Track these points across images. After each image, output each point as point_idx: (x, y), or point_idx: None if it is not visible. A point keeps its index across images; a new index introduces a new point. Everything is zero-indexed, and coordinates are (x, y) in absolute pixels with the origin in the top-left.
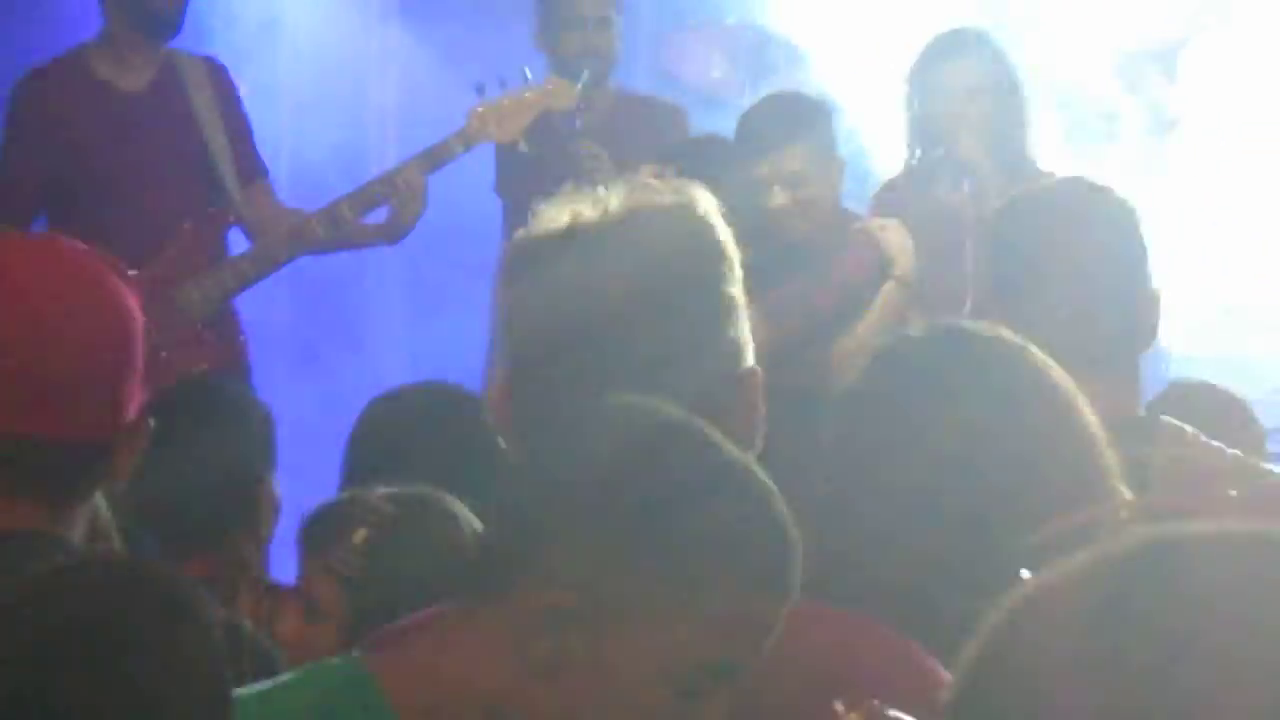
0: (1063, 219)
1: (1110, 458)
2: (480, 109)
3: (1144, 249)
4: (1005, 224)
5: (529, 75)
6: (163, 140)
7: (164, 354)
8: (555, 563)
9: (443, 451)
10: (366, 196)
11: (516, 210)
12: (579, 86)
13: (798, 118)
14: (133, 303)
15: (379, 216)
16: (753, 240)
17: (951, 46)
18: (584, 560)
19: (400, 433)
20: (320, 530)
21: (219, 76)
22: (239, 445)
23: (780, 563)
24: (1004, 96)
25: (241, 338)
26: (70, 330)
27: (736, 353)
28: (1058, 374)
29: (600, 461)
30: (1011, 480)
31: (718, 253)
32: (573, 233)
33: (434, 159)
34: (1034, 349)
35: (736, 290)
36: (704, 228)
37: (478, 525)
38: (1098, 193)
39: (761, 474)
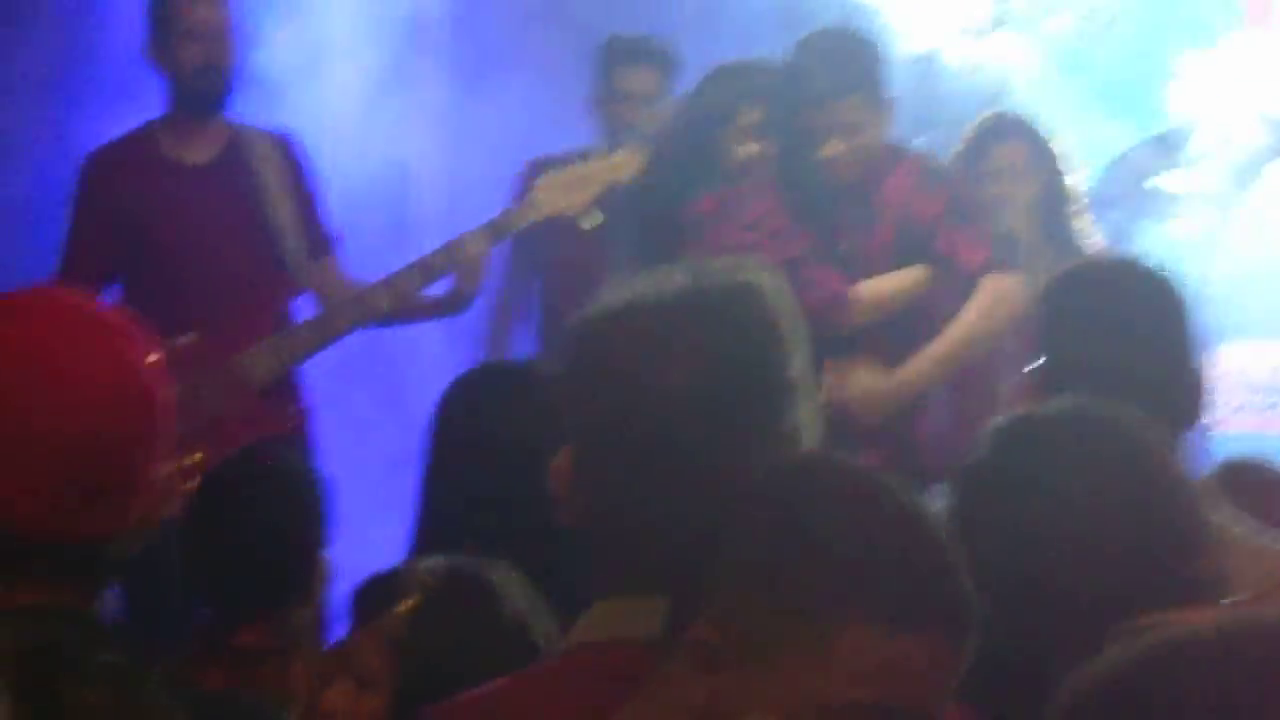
0: (1111, 296)
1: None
2: (546, 180)
3: (1192, 329)
4: (1054, 299)
5: (595, 147)
6: (228, 214)
7: (224, 422)
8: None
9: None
10: (429, 268)
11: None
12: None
13: (855, 66)
14: (160, 385)
15: (438, 285)
16: (806, 181)
17: (1000, 129)
18: (729, 596)
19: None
20: (370, 600)
21: (287, 150)
22: (293, 515)
23: (924, 600)
24: (1050, 179)
25: (303, 406)
26: (111, 430)
27: (793, 439)
28: (1172, 456)
29: (747, 502)
30: (1140, 563)
31: (776, 337)
32: (630, 313)
33: (498, 230)
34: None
35: (796, 373)
36: (764, 311)
37: (520, 600)
38: (1147, 271)
39: (915, 507)
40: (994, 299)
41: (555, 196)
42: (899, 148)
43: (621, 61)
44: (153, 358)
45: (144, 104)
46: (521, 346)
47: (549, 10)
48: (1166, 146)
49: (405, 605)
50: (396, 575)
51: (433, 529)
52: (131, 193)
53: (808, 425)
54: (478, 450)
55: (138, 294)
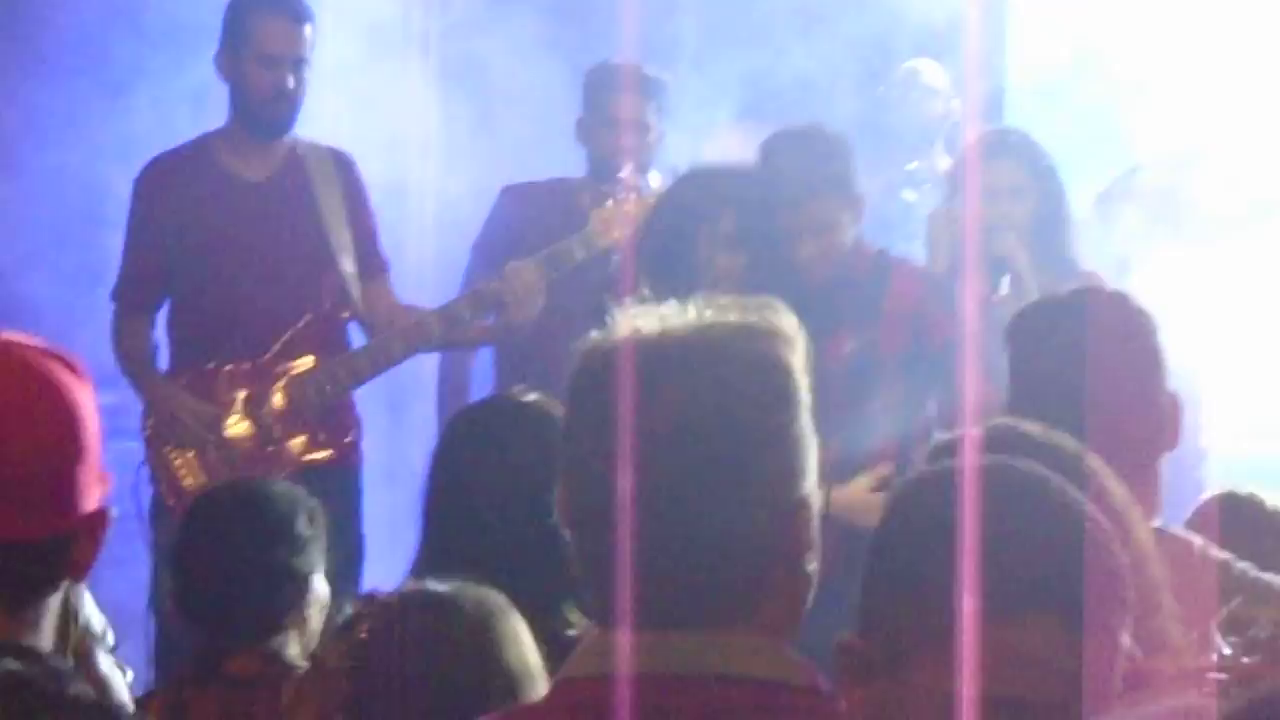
0: (1079, 326)
1: (1158, 571)
2: (604, 211)
3: (1160, 354)
4: (1022, 331)
5: (578, 177)
6: (284, 231)
7: (272, 447)
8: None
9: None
10: (481, 297)
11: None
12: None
13: (827, 166)
14: (81, 395)
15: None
16: (776, 281)
17: (996, 146)
18: (877, 603)
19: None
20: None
21: (345, 169)
22: (284, 542)
23: (1033, 582)
24: (1046, 197)
25: (355, 432)
26: (9, 429)
27: (787, 482)
28: (1114, 483)
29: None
30: None
31: (775, 380)
32: (631, 346)
33: (554, 261)
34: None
35: (791, 417)
36: (765, 352)
37: (490, 627)
38: (1114, 299)
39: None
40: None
41: (611, 228)
42: (884, 253)
43: (610, 88)
44: (75, 377)
45: None
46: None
47: (547, 27)
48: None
49: (359, 631)
50: (361, 600)
51: (433, 556)
52: (187, 206)
53: (801, 471)
54: (481, 481)
55: (189, 308)
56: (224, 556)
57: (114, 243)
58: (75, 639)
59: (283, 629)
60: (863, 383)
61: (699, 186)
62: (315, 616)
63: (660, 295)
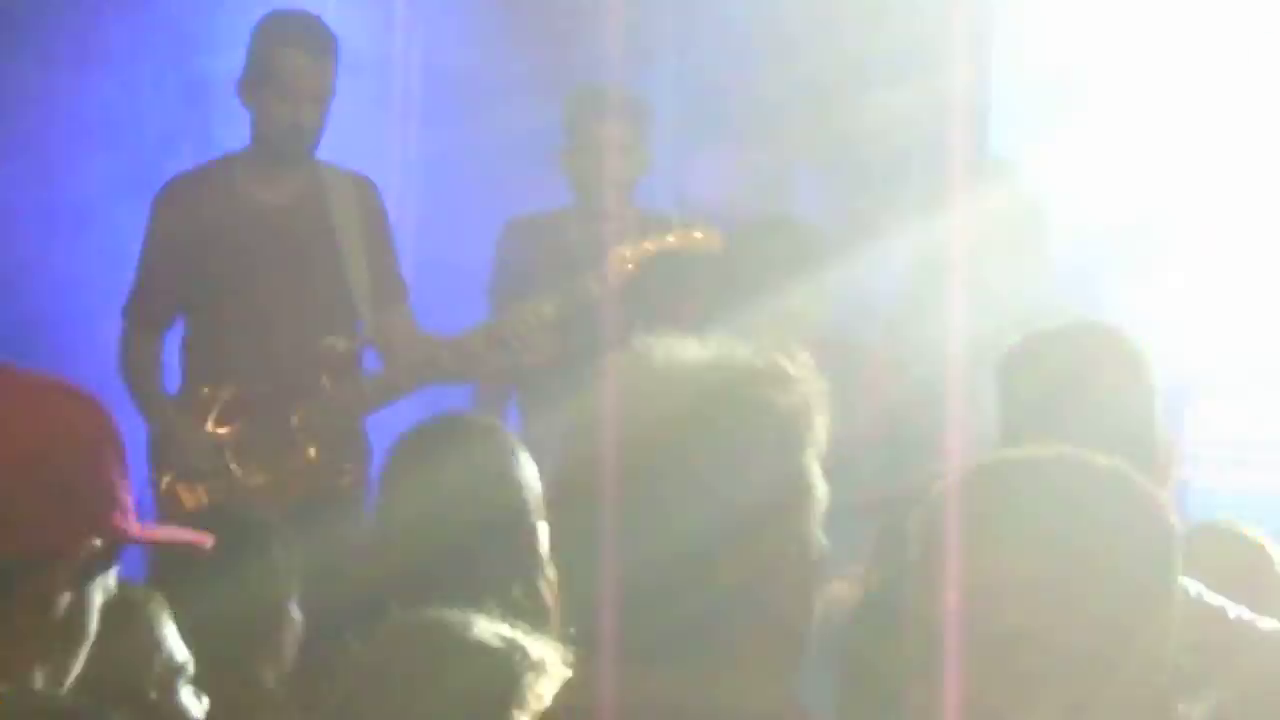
0: (1071, 365)
1: None
2: (625, 250)
3: (1154, 393)
4: (1013, 370)
5: (570, 205)
6: (300, 255)
7: (276, 475)
8: None
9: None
10: (496, 332)
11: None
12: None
13: (802, 257)
14: (61, 425)
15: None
16: None
17: (979, 173)
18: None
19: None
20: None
21: (367, 194)
22: (262, 573)
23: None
24: (1026, 226)
25: (365, 462)
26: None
27: (775, 525)
28: None
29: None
30: None
31: (768, 423)
32: (632, 378)
33: (570, 300)
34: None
35: (783, 460)
36: (762, 395)
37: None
38: (1107, 337)
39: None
40: None
41: (629, 266)
42: (852, 345)
43: (590, 111)
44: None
45: None
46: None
47: (520, 50)
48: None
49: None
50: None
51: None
52: (205, 227)
53: (799, 520)
54: (427, 503)
55: (202, 329)
56: (200, 585)
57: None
58: (158, 669)
59: (257, 657)
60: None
61: (669, 271)
62: (289, 642)
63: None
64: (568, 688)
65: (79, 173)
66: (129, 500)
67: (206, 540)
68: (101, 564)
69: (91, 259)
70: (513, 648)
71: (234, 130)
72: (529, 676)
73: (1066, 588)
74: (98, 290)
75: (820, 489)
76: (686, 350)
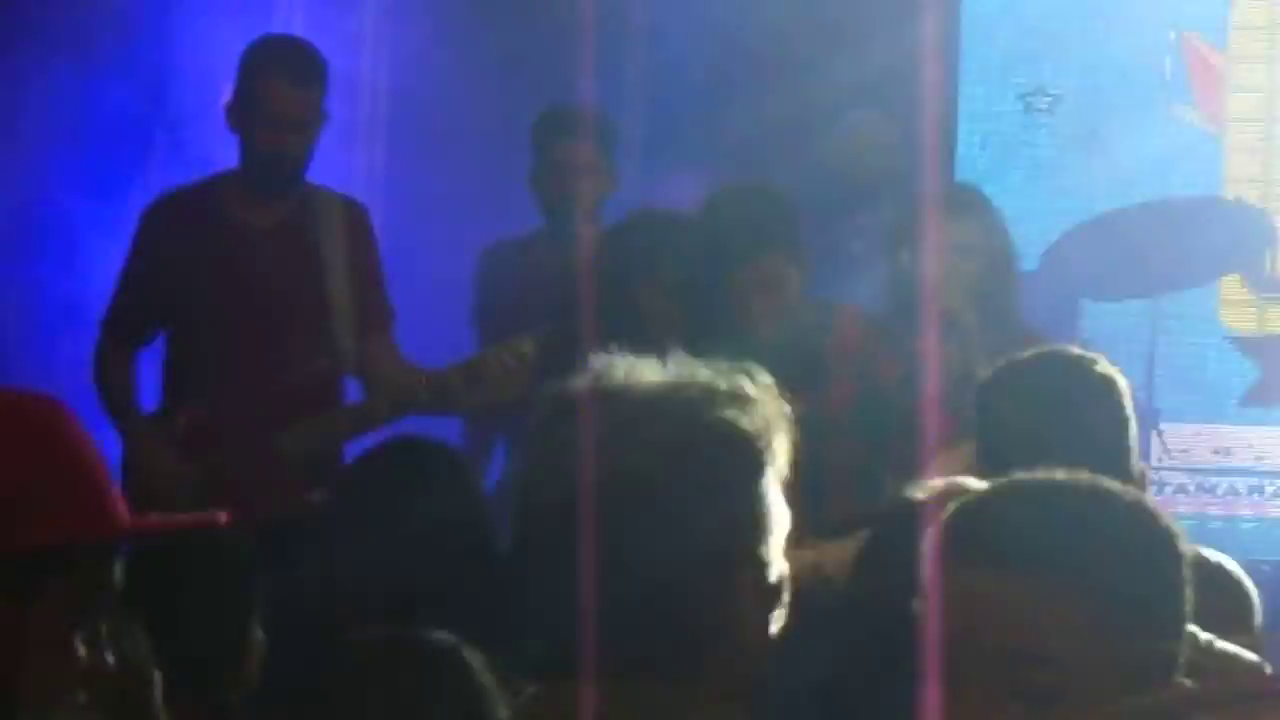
0: (1046, 394)
1: None
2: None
3: (1128, 421)
4: (989, 399)
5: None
6: (284, 281)
7: (253, 502)
8: None
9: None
10: (476, 367)
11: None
12: None
13: (774, 223)
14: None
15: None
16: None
17: (951, 203)
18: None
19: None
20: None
21: (356, 218)
22: (224, 595)
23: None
24: (995, 257)
25: None
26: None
27: (732, 542)
28: None
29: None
30: None
31: (725, 443)
32: (592, 398)
33: (550, 339)
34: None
35: (740, 480)
36: (720, 417)
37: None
38: (1081, 366)
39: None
40: None
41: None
42: (822, 301)
43: (555, 135)
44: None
45: None
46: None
47: (496, 69)
48: (1115, 227)
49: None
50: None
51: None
52: (190, 247)
53: (759, 539)
54: (388, 529)
55: (182, 350)
56: (163, 609)
57: None
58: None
59: (221, 679)
60: (813, 446)
61: (640, 234)
62: (252, 663)
63: (605, 341)
64: (542, 707)
65: (33, 168)
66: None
67: (218, 518)
68: (107, 561)
69: (44, 259)
70: (478, 668)
71: (199, 126)
72: (494, 693)
73: (1085, 612)
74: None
75: (781, 513)
76: (646, 373)
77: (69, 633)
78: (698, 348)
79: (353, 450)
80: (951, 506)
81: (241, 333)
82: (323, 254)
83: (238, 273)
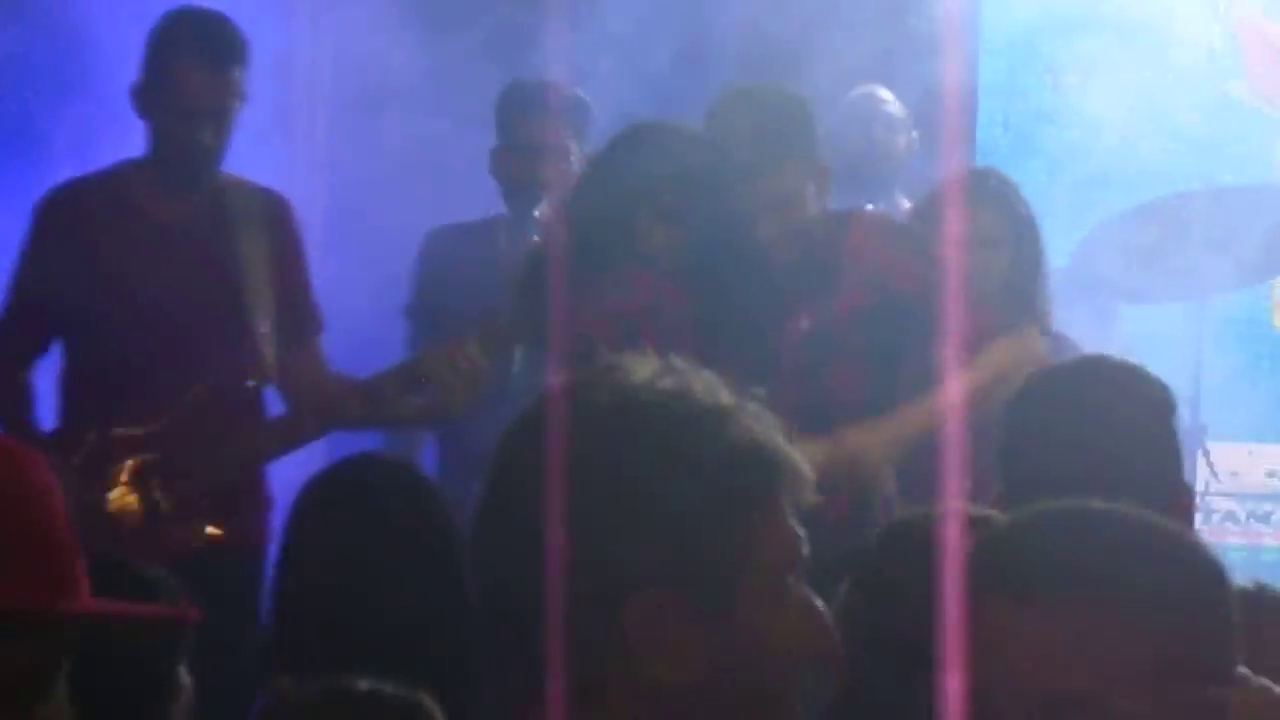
0: (1081, 408)
1: None
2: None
3: (1175, 438)
4: (1016, 413)
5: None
6: (194, 278)
7: (161, 526)
8: None
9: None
10: (414, 372)
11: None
12: None
13: (785, 130)
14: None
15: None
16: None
17: (977, 192)
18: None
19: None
20: None
21: (278, 213)
22: (148, 634)
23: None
24: (1022, 249)
25: (263, 511)
26: None
27: (622, 574)
28: None
29: None
30: None
31: (659, 457)
32: (564, 399)
33: (498, 338)
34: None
35: (649, 494)
36: (653, 427)
37: None
38: (1124, 373)
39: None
40: (1016, 357)
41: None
42: (840, 210)
43: (521, 111)
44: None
45: None
46: None
47: (437, 45)
48: (1154, 218)
49: None
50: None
51: (289, 643)
52: (90, 244)
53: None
54: (344, 557)
55: (82, 361)
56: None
57: None
58: None
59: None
60: (816, 354)
61: (640, 149)
62: (178, 711)
63: (588, 270)
64: None
65: None
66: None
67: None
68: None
69: None
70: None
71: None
72: None
73: (1125, 653)
74: None
75: (772, 544)
76: (638, 379)
77: (25, 696)
78: (700, 279)
79: (282, 470)
80: (977, 536)
81: (149, 341)
82: (241, 253)
83: (144, 273)
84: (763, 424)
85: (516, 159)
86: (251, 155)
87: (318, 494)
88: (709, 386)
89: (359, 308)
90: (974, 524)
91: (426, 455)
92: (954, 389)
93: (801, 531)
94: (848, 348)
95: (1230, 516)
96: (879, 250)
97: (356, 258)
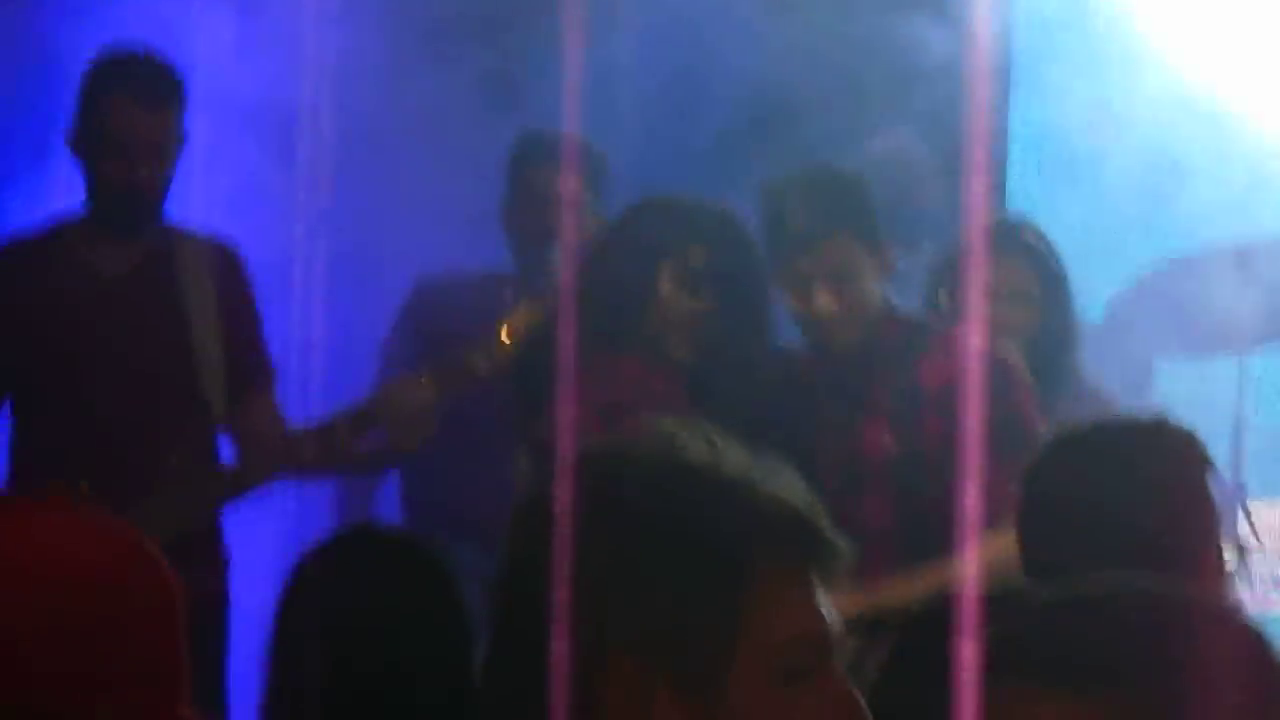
0: (1111, 470)
1: None
2: (512, 318)
3: (1212, 501)
4: (1039, 475)
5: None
6: (140, 333)
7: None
8: None
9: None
10: (363, 416)
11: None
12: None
13: (837, 200)
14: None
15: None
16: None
17: (1005, 241)
18: None
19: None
20: None
21: (226, 263)
22: None
23: None
24: (1054, 304)
25: (219, 563)
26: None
27: (607, 635)
28: None
29: None
30: None
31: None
32: (590, 458)
33: (450, 379)
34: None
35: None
36: (630, 488)
37: None
38: (1149, 429)
39: None
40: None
41: (517, 338)
42: (914, 318)
43: (533, 161)
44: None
45: None
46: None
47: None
48: (1191, 270)
49: None
50: None
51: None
52: (32, 300)
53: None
54: (345, 633)
55: (27, 419)
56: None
57: None
58: None
59: None
60: (909, 484)
61: (664, 214)
62: None
63: (601, 341)
64: None
65: None
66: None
67: None
68: None
69: None
70: None
71: None
72: None
73: None
74: None
75: (776, 623)
76: (663, 444)
77: None
78: (727, 359)
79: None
80: (997, 618)
81: (92, 395)
82: (185, 303)
83: (87, 326)
84: (791, 496)
85: (530, 210)
86: (244, 195)
87: (315, 565)
88: (741, 457)
89: (359, 353)
90: (998, 601)
91: (390, 506)
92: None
93: (830, 610)
94: (941, 481)
95: (1277, 583)
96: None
97: (352, 299)
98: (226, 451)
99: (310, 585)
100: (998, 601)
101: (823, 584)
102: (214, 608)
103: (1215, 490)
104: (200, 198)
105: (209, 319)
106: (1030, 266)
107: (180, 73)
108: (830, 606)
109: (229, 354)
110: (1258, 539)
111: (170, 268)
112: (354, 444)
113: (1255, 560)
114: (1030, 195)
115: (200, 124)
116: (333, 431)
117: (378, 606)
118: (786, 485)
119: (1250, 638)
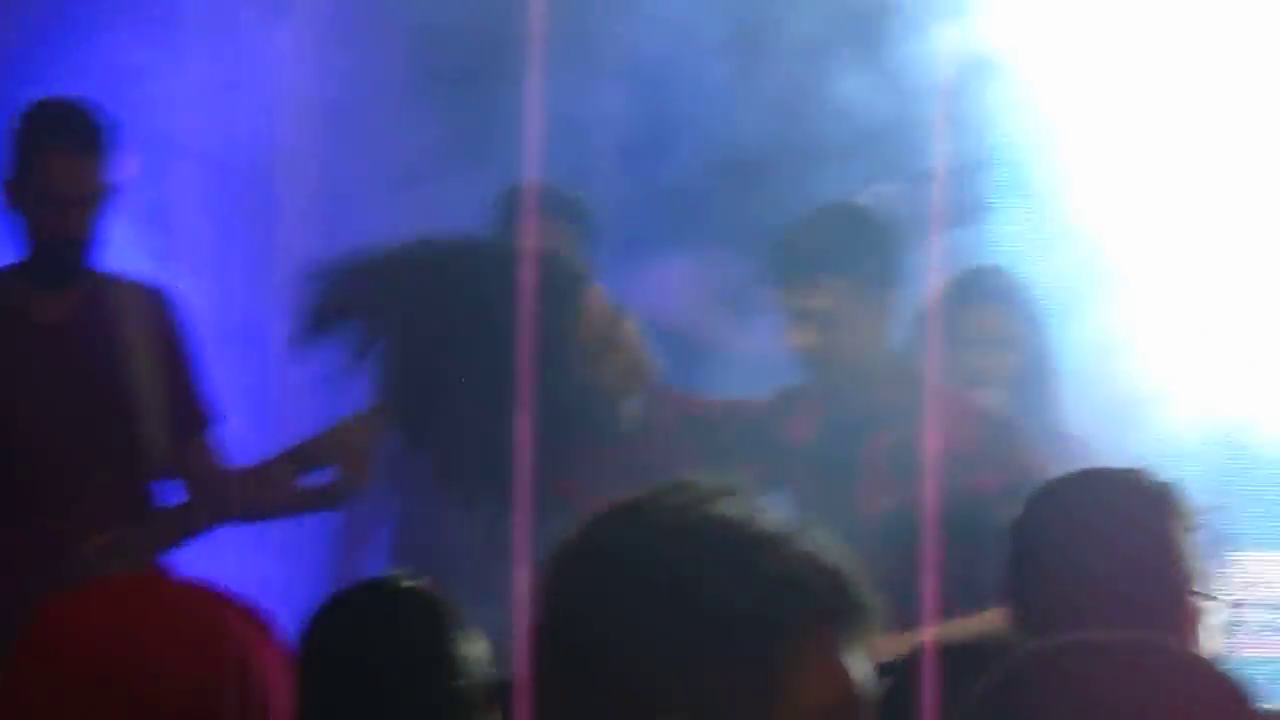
0: (1090, 523)
1: None
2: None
3: (1184, 550)
4: (1026, 524)
5: None
6: (79, 381)
7: None
8: None
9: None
10: (307, 455)
11: None
12: None
13: (824, 246)
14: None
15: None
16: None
17: (977, 290)
18: None
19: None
20: None
21: (161, 308)
22: None
23: None
24: (1032, 351)
25: None
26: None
27: (648, 696)
28: None
29: None
30: None
31: (634, 600)
32: (620, 514)
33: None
34: None
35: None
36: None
37: None
38: (1125, 481)
39: None
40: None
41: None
42: (915, 371)
43: (522, 213)
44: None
45: None
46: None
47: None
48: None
49: None
50: None
51: None
52: None
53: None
54: (355, 687)
55: None
56: None
57: None
58: None
59: None
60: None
61: None
62: None
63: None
64: None
65: None
66: None
67: None
68: None
69: None
70: None
71: None
72: None
73: None
74: None
75: (814, 685)
76: (696, 500)
77: None
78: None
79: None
80: (984, 676)
81: (28, 441)
82: (121, 349)
83: (21, 376)
84: (823, 555)
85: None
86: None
87: (322, 627)
88: (774, 516)
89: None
90: (985, 653)
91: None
92: None
93: (862, 670)
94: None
95: (1266, 627)
96: (971, 440)
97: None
98: (166, 496)
99: (316, 646)
100: (986, 651)
101: (856, 644)
102: None
103: (1189, 542)
104: (175, 246)
105: (144, 364)
106: (1008, 312)
107: (110, 122)
108: (862, 666)
109: (166, 398)
110: (1247, 588)
111: (104, 313)
112: (295, 485)
113: (1248, 610)
114: (1014, 242)
115: (177, 172)
116: (271, 473)
117: (394, 657)
118: (821, 545)
119: (1226, 687)
